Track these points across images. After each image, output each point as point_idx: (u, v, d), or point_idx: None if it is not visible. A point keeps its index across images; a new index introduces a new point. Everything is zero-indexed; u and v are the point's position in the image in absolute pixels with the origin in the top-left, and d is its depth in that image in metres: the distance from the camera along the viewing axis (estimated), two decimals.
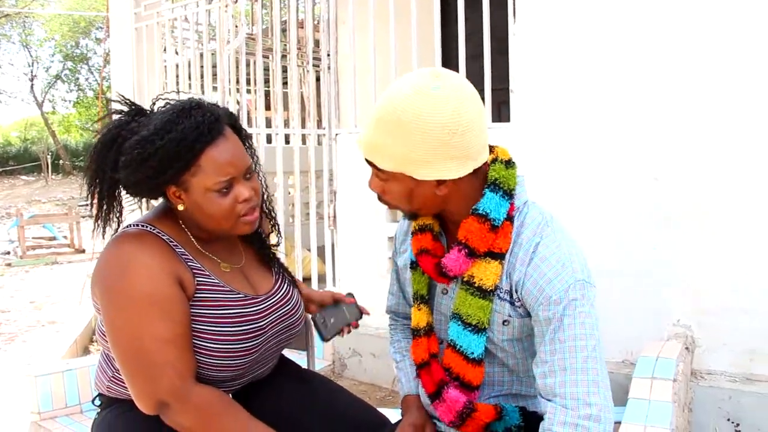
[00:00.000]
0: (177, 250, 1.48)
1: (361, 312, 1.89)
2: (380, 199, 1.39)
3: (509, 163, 1.38)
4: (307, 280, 4.61)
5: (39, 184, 23.91)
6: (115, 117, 1.51)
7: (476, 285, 1.33)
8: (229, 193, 1.45)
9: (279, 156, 4.38)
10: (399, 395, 1.70)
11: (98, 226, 1.51)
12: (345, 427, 1.66)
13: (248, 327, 1.50)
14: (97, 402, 1.63)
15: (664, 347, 2.49)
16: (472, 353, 1.37)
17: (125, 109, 1.52)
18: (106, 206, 1.50)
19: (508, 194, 1.34)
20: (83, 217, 11.08)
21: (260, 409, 1.55)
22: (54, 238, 10.80)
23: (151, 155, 1.38)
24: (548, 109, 2.95)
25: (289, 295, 1.67)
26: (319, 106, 4.76)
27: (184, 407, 1.39)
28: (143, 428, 1.46)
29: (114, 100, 1.54)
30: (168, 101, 1.50)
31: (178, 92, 1.58)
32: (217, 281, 1.50)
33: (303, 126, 4.95)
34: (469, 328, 1.35)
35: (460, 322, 1.37)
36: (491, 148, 1.39)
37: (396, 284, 1.73)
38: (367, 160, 1.32)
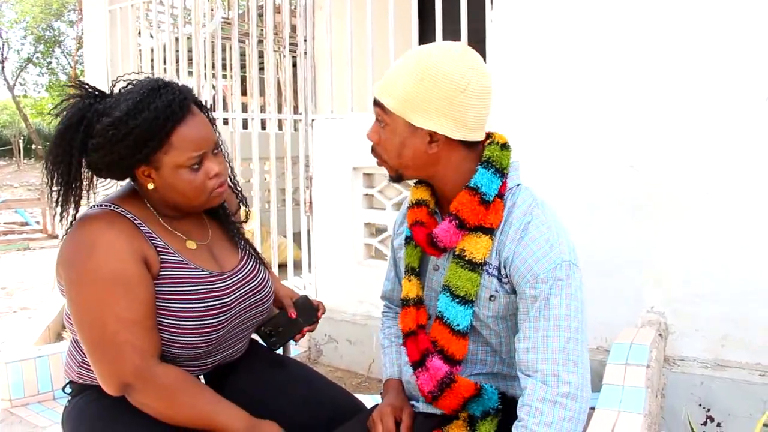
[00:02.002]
0: (141, 228, 1.48)
1: (315, 314, 1.83)
2: (373, 151, 1.45)
3: (504, 146, 1.43)
4: (282, 266, 4.60)
5: (11, 169, 23.55)
6: (74, 100, 1.49)
7: (467, 258, 1.37)
8: (200, 169, 1.48)
9: (255, 142, 4.35)
10: (374, 382, 1.70)
11: (63, 210, 1.49)
12: (320, 412, 1.67)
13: (213, 303, 1.50)
14: (68, 390, 1.61)
15: (638, 334, 2.52)
16: (458, 325, 1.40)
17: (82, 93, 1.50)
18: (72, 190, 1.48)
19: (500, 172, 1.39)
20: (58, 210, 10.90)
21: (234, 394, 1.55)
22: (26, 224, 10.64)
23: (126, 135, 1.39)
24: (524, 96, 2.95)
25: (255, 272, 1.67)
26: (295, 91, 4.73)
27: (148, 387, 1.39)
28: (114, 414, 1.46)
29: (69, 85, 1.52)
30: (130, 82, 1.50)
31: (138, 73, 1.58)
32: (181, 258, 1.51)
33: (279, 111, 4.92)
34: (457, 300, 1.39)
35: (449, 294, 1.40)
36: (490, 134, 1.45)
37: (393, 270, 1.74)
38: (375, 105, 1.39)
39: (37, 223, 10.51)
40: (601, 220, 2.78)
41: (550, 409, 1.25)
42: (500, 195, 1.39)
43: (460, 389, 1.41)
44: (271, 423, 1.49)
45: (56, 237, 9.59)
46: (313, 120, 3.84)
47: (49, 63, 28.18)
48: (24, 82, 28.59)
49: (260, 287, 1.65)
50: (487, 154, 1.40)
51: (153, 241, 1.48)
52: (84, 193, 1.51)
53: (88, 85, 1.52)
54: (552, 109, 2.89)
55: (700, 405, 2.58)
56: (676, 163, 2.64)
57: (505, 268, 1.37)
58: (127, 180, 1.56)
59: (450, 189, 1.42)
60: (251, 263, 1.68)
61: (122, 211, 1.49)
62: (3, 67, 27.00)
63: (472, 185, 1.37)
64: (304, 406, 1.66)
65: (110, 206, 1.50)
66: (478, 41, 3.36)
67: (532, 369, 1.29)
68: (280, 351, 1.92)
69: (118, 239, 1.42)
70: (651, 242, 2.70)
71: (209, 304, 1.50)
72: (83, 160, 1.47)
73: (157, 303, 1.45)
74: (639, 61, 2.68)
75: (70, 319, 1.47)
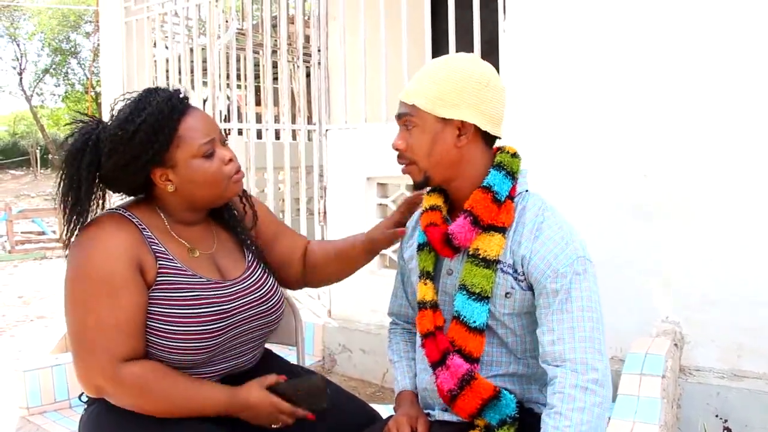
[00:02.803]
0: (144, 233, 1.51)
1: (323, 399, 1.58)
2: (401, 157, 1.51)
3: (514, 155, 1.53)
4: None
5: (28, 179, 23.79)
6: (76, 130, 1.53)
7: (481, 256, 1.43)
8: (214, 157, 1.51)
9: (269, 151, 4.38)
10: (388, 391, 1.71)
11: (74, 228, 1.51)
12: (335, 422, 1.67)
13: (210, 309, 1.51)
14: (84, 398, 1.63)
15: (653, 344, 2.51)
16: (474, 322, 1.44)
17: (83, 122, 1.55)
18: (83, 210, 1.50)
19: (511, 175, 1.48)
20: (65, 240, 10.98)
21: None
22: (43, 233, 10.74)
23: (135, 132, 1.43)
24: (538, 106, 2.95)
25: (261, 281, 1.67)
26: (309, 101, 4.75)
27: (118, 389, 1.42)
28: (130, 423, 1.47)
29: (69, 123, 1.57)
30: (127, 99, 1.55)
31: (132, 92, 1.60)
32: (179, 265, 1.52)
33: (293, 122, 4.94)
34: (474, 297, 1.44)
35: (465, 292, 1.45)
36: (500, 148, 1.55)
37: (400, 287, 1.77)
38: (398, 116, 1.49)
39: (54, 232, 10.60)
40: (615, 229, 2.77)
41: (582, 395, 1.31)
42: (510, 197, 1.48)
43: (480, 389, 1.43)
44: (250, 385, 1.51)
45: None
46: (327, 130, 3.86)
47: (66, 74, 28.49)
48: (41, 92, 28.90)
49: (267, 297, 1.65)
50: (498, 159, 1.50)
51: (153, 247, 1.50)
52: (95, 209, 1.54)
53: (86, 114, 1.57)
54: (565, 117, 2.89)
55: (716, 416, 2.56)
56: (689, 171, 2.63)
57: (522, 266, 1.43)
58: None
59: (464, 193, 1.49)
60: (258, 273, 1.68)
61: (129, 215, 1.52)
62: (21, 79, 27.32)
63: (485, 185, 1.46)
64: (318, 417, 1.66)
65: (118, 210, 1.53)
66: (491, 51, 3.37)
67: (561, 359, 1.35)
68: (294, 360, 1.93)
69: (113, 241, 1.45)
70: (665, 251, 2.69)
71: (206, 310, 1.50)
72: (96, 179, 1.51)
73: (153, 308, 1.47)
74: (652, 70, 2.68)
75: None
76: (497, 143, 1.54)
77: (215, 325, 1.52)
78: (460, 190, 1.51)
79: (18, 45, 27.21)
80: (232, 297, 1.57)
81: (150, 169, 1.49)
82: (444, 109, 1.43)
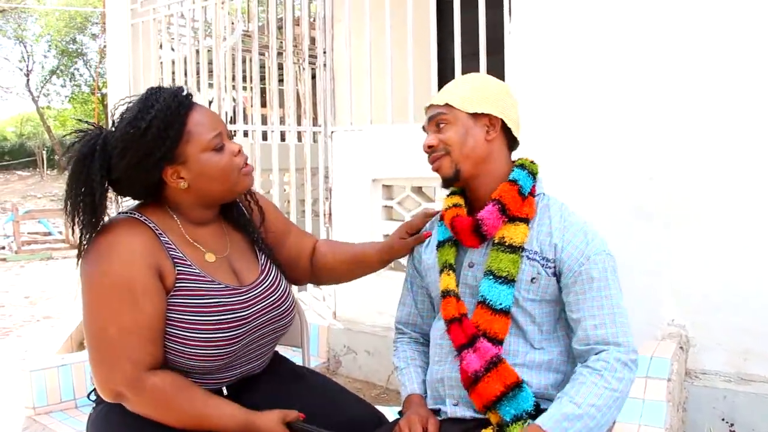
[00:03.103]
0: (161, 238, 1.50)
1: None
2: (432, 153, 1.62)
3: (532, 162, 1.66)
4: None
5: (34, 180, 23.86)
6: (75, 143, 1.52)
7: (507, 243, 1.53)
8: (224, 150, 1.53)
9: (275, 153, 4.39)
10: (393, 393, 1.72)
11: (89, 238, 1.49)
12: (341, 423, 1.66)
13: (229, 316, 1.51)
14: (93, 396, 1.63)
15: (659, 347, 2.50)
16: (501, 304, 1.51)
17: (86, 130, 1.55)
18: (98, 217, 1.49)
19: (532, 175, 1.62)
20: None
21: (253, 405, 1.55)
22: (49, 234, 10.77)
23: (147, 129, 1.44)
24: (543, 108, 2.95)
25: (275, 285, 1.66)
26: (314, 103, 4.76)
27: (138, 397, 1.42)
28: (141, 423, 1.47)
29: (70, 133, 1.58)
30: (127, 103, 1.55)
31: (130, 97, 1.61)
32: (198, 271, 1.52)
33: (299, 123, 4.95)
34: (500, 281, 1.52)
35: (491, 277, 1.53)
36: (516, 160, 1.68)
37: (408, 294, 1.81)
38: (430, 118, 1.63)
39: (60, 233, 10.64)
40: (621, 232, 2.76)
41: (623, 369, 1.44)
42: (532, 194, 1.61)
43: (505, 373, 1.47)
44: (269, 415, 1.50)
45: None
46: (332, 132, 3.86)
47: (72, 75, 28.57)
48: (48, 93, 29.01)
49: (280, 301, 1.65)
50: (519, 161, 1.64)
51: (171, 252, 1.50)
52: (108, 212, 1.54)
53: (87, 122, 1.57)
54: (570, 119, 2.88)
55: (723, 419, 2.55)
56: (695, 174, 2.62)
57: (554, 253, 1.53)
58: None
59: (486, 191, 1.60)
60: (272, 276, 1.68)
61: (145, 219, 1.52)
62: (28, 80, 27.42)
63: (511, 179, 1.59)
64: (325, 418, 1.66)
65: (134, 214, 1.53)
66: (496, 52, 3.37)
67: (604, 342, 1.47)
68: (299, 361, 1.93)
69: (133, 247, 1.44)
70: (670, 254, 2.68)
71: (225, 317, 1.50)
72: (107, 184, 1.50)
73: (171, 315, 1.46)
74: (657, 72, 2.67)
75: None
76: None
77: (233, 332, 1.51)
78: (482, 187, 1.61)
79: (25, 46, 27.34)
80: (249, 303, 1.57)
81: (162, 167, 1.49)
82: (474, 106, 1.58)
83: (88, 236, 1.49)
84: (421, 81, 3.53)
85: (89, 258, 1.46)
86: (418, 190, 3.58)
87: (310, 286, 4.37)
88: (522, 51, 3.02)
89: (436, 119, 1.61)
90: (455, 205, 1.65)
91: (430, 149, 1.62)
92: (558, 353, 1.55)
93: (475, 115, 1.58)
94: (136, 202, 1.62)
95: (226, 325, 1.50)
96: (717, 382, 2.59)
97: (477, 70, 3.18)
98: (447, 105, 1.59)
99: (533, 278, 1.53)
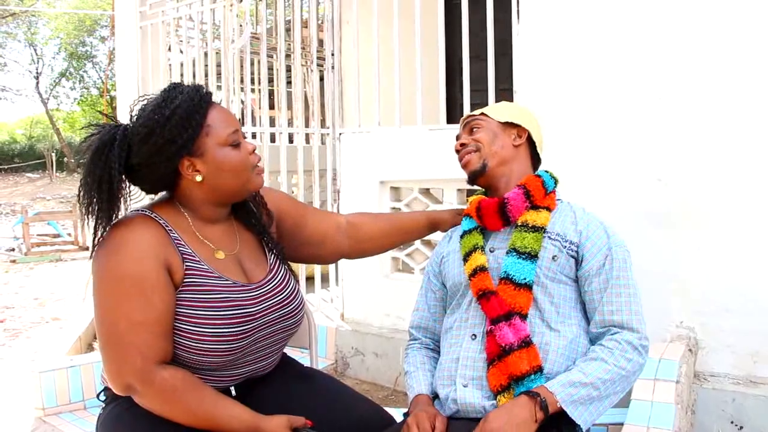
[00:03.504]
0: (171, 234, 1.53)
1: None
2: (463, 149, 1.79)
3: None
4: (310, 279, 4.62)
5: (43, 182, 23.96)
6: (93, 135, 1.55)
7: (529, 225, 1.66)
8: (240, 147, 1.58)
9: (283, 155, 4.39)
10: (401, 395, 1.74)
11: (104, 228, 1.52)
12: (349, 424, 1.67)
13: (236, 312, 1.53)
14: (102, 397, 1.64)
15: (667, 349, 2.49)
16: (524, 279, 1.60)
17: (106, 122, 1.59)
18: (114, 206, 1.52)
19: (554, 179, 1.77)
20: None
21: (260, 406, 1.55)
22: (58, 236, 10.81)
23: (171, 116, 1.48)
24: (552, 109, 2.94)
25: (284, 284, 1.68)
26: (322, 105, 4.77)
27: (148, 390, 1.43)
28: (150, 423, 1.48)
29: (90, 125, 1.60)
30: (147, 99, 1.59)
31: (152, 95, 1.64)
32: (206, 267, 1.54)
33: (307, 125, 4.97)
34: (523, 257, 1.62)
35: (515, 254, 1.64)
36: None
37: (423, 300, 1.86)
38: (465, 123, 1.83)
39: (69, 235, 10.67)
40: (629, 234, 2.73)
41: (632, 351, 1.54)
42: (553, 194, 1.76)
43: (533, 354, 1.54)
44: (277, 420, 1.50)
45: (87, 249, 9.72)
46: (340, 134, 3.87)
47: (82, 77, 28.75)
48: (57, 95, 29.17)
49: (289, 300, 1.66)
50: (544, 170, 1.80)
51: (180, 248, 1.52)
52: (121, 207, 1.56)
53: (107, 115, 1.64)
54: (578, 122, 2.88)
55: (732, 422, 2.54)
56: (703, 176, 2.61)
57: (578, 238, 1.65)
58: (164, 193, 1.63)
59: (506, 187, 1.74)
60: (281, 275, 1.69)
61: (155, 216, 1.54)
62: (37, 83, 27.58)
63: (536, 173, 1.76)
64: (333, 419, 1.66)
65: (144, 211, 1.56)
66: (504, 54, 3.37)
67: (619, 325, 1.58)
68: (307, 363, 1.94)
69: (143, 242, 1.47)
70: (679, 256, 2.67)
71: (232, 312, 1.52)
72: (123, 173, 1.52)
73: (180, 310, 1.48)
74: (665, 74, 2.66)
75: None
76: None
77: (240, 328, 1.53)
78: (504, 187, 1.75)
79: (35, 49, 27.53)
80: (257, 300, 1.59)
81: (180, 157, 1.52)
82: (505, 116, 1.79)
83: (102, 227, 1.51)
84: (429, 83, 3.53)
85: (102, 253, 1.49)
86: (426, 192, 3.58)
87: (317, 287, 4.37)
88: (530, 53, 3.02)
89: (471, 125, 1.81)
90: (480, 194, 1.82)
91: (461, 147, 1.79)
92: (570, 340, 1.60)
93: (506, 124, 1.78)
94: (146, 202, 1.64)
95: (233, 321, 1.52)
96: (726, 385, 2.58)
97: (485, 72, 3.19)
98: (482, 114, 1.80)
99: (554, 256, 1.63)
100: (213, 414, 1.46)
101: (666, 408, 2.12)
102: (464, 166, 1.79)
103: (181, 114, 1.49)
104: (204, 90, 1.58)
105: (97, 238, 1.52)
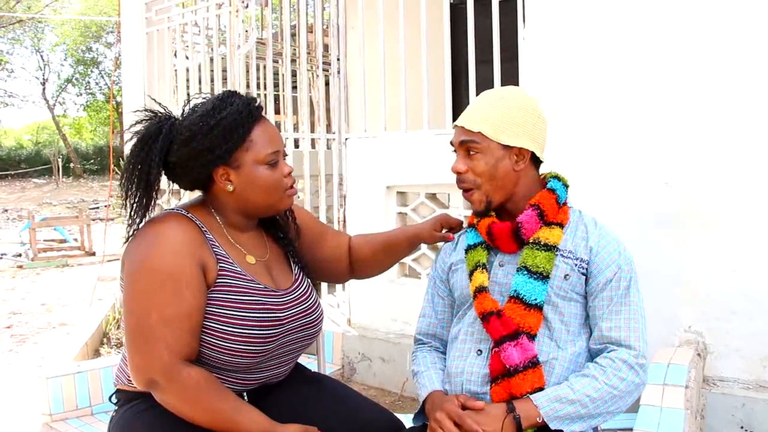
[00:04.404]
0: (206, 235, 1.56)
1: None
2: (462, 182, 1.66)
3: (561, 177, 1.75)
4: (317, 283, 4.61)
5: (50, 187, 24.02)
6: (144, 121, 1.59)
7: (542, 243, 1.60)
8: (276, 167, 1.59)
9: (289, 160, 4.39)
10: (408, 400, 1.72)
11: (138, 214, 1.56)
12: (357, 429, 1.67)
13: (267, 315, 1.55)
14: (114, 399, 1.64)
15: (676, 354, 2.48)
16: (535, 299, 1.56)
17: (156, 113, 1.62)
18: (150, 195, 1.56)
19: (566, 186, 1.70)
20: (93, 219, 11.10)
21: (270, 410, 1.56)
22: (65, 241, 10.82)
23: (215, 126, 1.51)
24: (558, 113, 2.93)
25: (307, 294, 1.71)
26: (328, 110, 4.76)
27: (172, 386, 1.43)
28: (166, 424, 1.48)
29: (139, 110, 1.62)
30: (203, 97, 1.62)
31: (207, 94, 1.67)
32: (239, 269, 1.57)
33: (313, 130, 4.96)
34: (534, 276, 1.57)
35: (525, 272, 1.59)
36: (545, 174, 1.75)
37: (429, 306, 1.83)
38: (461, 142, 1.64)
39: (75, 240, 10.69)
40: (636, 237, 2.74)
41: (627, 370, 1.51)
42: (565, 204, 1.69)
43: (537, 376, 1.52)
44: (293, 427, 1.51)
45: (94, 254, 9.76)
46: (346, 139, 3.87)
47: (88, 83, 28.85)
48: (63, 102, 29.28)
49: (311, 309, 1.70)
50: (552, 174, 1.72)
51: (215, 249, 1.55)
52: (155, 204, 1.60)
53: (161, 104, 1.66)
54: (584, 126, 2.87)
55: (741, 427, 2.52)
56: (710, 179, 2.60)
57: (589, 255, 1.61)
58: (197, 194, 1.67)
59: (514, 208, 1.66)
60: (304, 285, 1.73)
61: (191, 216, 1.57)
62: (44, 89, 27.70)
63: (549, 187, 1.66)
64: (340, 424, 1.66)
65: (180, 211, 1.58)
66: (510, 59, 3.36)
67: (617, 343, 1.55)
68: (314, 368, 1.93)
69: (180, 239, 1.49)
70: (687, 260, 2.66)
71: (262, 315, 1.54)
72: (162, 167, 1.56)
73: (211, 309, 1.50)
74: (671, 77, 2.66)
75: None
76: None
77: (268, 331, 1.55)
78: (512, 206, 1.67)
79: (41, 56, 27.65)
80: (285, 306, 1.61)
81: (216, 165, 1.54)
82: (507, 137, 1.60)
83: (136, 218, 1.54)
84: (435, 87, 3.53)
85: (136, 246, 1.51)
86: (433, 197, 3.58)
87: (324, 293, 4.37)
88: (536, 57, 3.02)
89: (468, 145, 1.64)
90: (487, 215, 1.70)
91: (458, 175, 1.66)
92: (577, 354, 1.59)
93: (508, 146, 1.62)
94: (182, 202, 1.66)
95: (262, 323, 1.54)
96: (735, 390, 2.57)
97: (491, 77, 3.18)
98: (480, 133, 1.61)
99: (566, 275, 1.59)
100: (232, 416, 1.47)
101: (675, 413, 2.11)
102: (467, 200, 1.70)
103: (226, 125, 1.51)
104: (256, 103, 1.59)
105: (131, 231, 1.55)
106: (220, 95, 1.58)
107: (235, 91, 1.61)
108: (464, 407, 1.51)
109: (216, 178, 1.57)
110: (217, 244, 1.56)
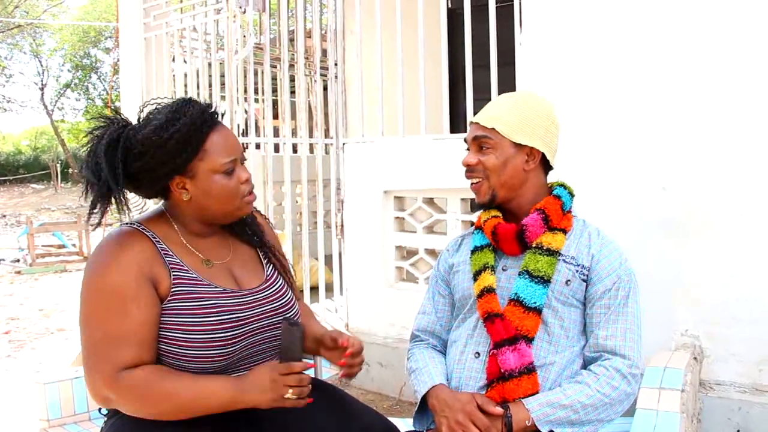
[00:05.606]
0: (159, 246, 1.55)
1: (299, 350, 1.55)
2: (472, 172, 1.69)
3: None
4: (314, 288, 4.62)
5: (48, 192, 24.01)
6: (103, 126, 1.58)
7: (545, 247, 1.63)
8: (233, 175, 1.57)
9: (287, 165, 4.40)
10: (406, 405, 1.74)
11: (92, 223, 1.57)
12: None
13: (224, 317, 1.54)
14: (104, 410, 1.64)
15: (672, 357, 2.48)
16: (534, 303, 1.59)
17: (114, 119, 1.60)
18: (115, 195, 1.55)
19: (571, 195, 1.73)
20: (92, 225, 11.07)
21: (265, 414, 1.55)
22: (63, 246, 10.82)
23: (167, 140, 1.49)
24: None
25: (280, 294, 1.70)
26: (326, 115, 4.78)
27: (121, 393, 1.44)
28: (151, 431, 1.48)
29: (98, 117, 1.63)
30: (157, 104, 1.61)
31: (163, 98, 1.68)
32: (194, 275, 1.56)
33: (311, 135, 4.97)
34: (536, 280, 1.60)
35: (527, 276, 1.61)
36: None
37: (430, 304, 1.85)
38: (474, 137, 1.68)
39: (74, 245, 10.69)
40: (634, 242, 2.74)
41: (619, 379, 1.54)
42: (570, 212, 1.72)
43: (532, 383, 1.54)
44: (256, 370, 1.51)
45: None
46: (344, 144, 3.88)
47: (86, 89, 28.83)
48: (62, 107, 29.26)
49: (284, 309, 1.68)
50: (558, 182, 1.75)
51: (168, 259, 1.55)
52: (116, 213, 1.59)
53: (117, 111, 1.65)
54: (581, 131, 2.87)
55: (738, 431, 2.53)
56: (708, 184, 2.61)
57: (590, 261, 1.64)
58: (159, 204, 1.66)
59: (521, 213, 1.69)
60: (277, 286, 1.71)
61: (143, 229, 1.57)
62: (42, 94, 27.69)
63: (554, 194, 1.70)
64: (337, 430, 1.66)
65: (134, 225, 1.58)
66: (507, 63, 3.38)
67: (612, 351, 1.57)
68: (310, 373, 1.93)
69: (126, 257, 1.49)
70: (684, 264, 2.67)
71: (219, 318, 1.53)
72: (124, 172, 1.54)
73: (169, 318, 1.50)
74: (668, 82, 2.66)
75: None
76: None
77: (230, 333, 1.54)
78: (517, 207, 1.70)
79: (40, 61, 27.63)
80: (248, 306, 1.60)
81: (171, 177, 1.54)
82: (520, 136, 1.65)
83: (99, 207, 1.54)
84: (432, 92, 3.54)
85: (88, 265, 1.53)
86: (430, 202, 3.58)
87: (322, 297, 4.37)
88: (533, 62, 3.03)
89: (480, 141, 1.68)
90: (493, 216, 1.73)
91: (468, 167, 1.70)
92: (571, 361, 1.61)
93: (519, 145, 1.66)
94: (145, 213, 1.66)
95: (221, 326, 1.53)
96: (732, 393, 2.57)
97: (488, 81, 3.20)
98: (493, 130, 1.65)
99: (568, 280, 1.62)
100: (194, 390, 1.46)
101: (671, 417, 2.11)
102: (474, 192, 1.73)
103: (179, 138, 1.50)
104: (210, 111, 1.58)
105: (93, 229, 1.60)
106: (175, 105, 1.56)
107: (191, 99, 1.59)
108: (481, 410, 1.53)
109: (172, 187, 1.56)
110: (171, 253, 1.56)
